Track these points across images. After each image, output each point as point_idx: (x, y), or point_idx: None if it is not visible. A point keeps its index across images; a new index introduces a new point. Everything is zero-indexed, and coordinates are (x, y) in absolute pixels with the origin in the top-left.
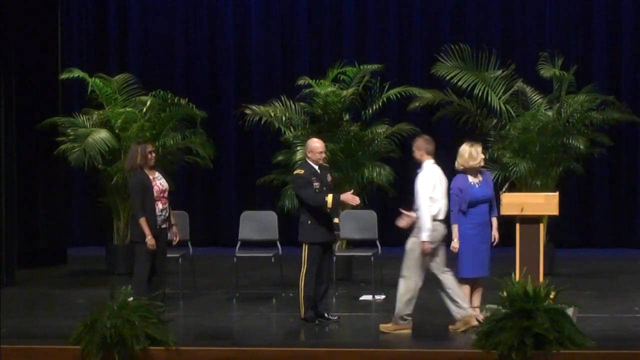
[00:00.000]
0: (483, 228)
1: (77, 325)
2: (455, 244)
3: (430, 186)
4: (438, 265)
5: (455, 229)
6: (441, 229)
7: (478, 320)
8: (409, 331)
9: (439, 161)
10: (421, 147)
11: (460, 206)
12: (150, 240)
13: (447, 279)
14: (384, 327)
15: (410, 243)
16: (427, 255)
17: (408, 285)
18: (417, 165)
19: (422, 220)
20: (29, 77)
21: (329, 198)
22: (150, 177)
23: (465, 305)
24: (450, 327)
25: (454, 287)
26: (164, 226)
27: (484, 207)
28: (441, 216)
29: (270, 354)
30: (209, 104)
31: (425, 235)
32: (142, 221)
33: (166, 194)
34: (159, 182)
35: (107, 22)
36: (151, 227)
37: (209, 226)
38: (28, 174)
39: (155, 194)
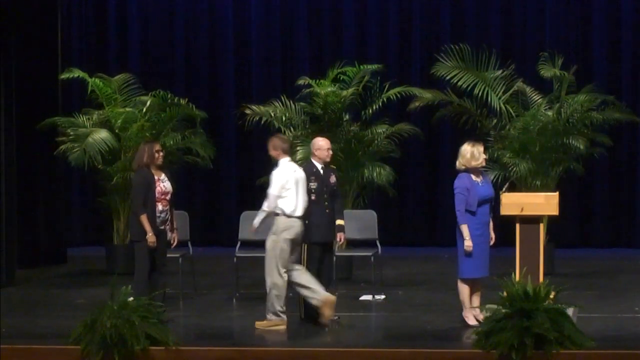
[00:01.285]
0: (486, 228)
1: (77, 325)
2: (468, 242)
3: (282, 184)
4: (289, 263)
5: (464, 228)
6: (298, 225)
7: (478, 320)
8: (283, 327)
9: (439, 160)
10: (277, 146)
11: (467, 205)
12: (151, 237)
13: (301, 273)
14: (258, 324)
15: (270, 241)
16: (274, 250)
17: (274, 281)
18: (275, 164)
19: (261, 210)
20: (29, 77)
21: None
22: (156, 177)
23: (318, 288)
24: (257, 323)
25: (306, 277)
26: (162, 227)
27: (487, 207)
28: (298, 213)
29: (270, 354)
30: (209, 104)
31: (256, 221)
32: (143, 218)
33: (168, 197)
34: (163, 184)
35: (107, 22)
36: (151, 226)
37: (209, 226)
38: (28, 174)
39: (156, 195)
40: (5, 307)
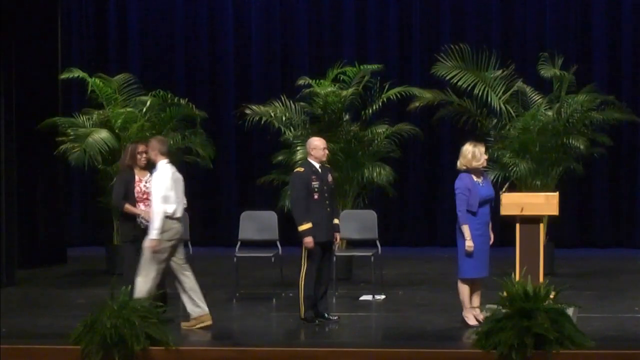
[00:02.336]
0: (486, 228)
1: (77, 325)
2: (469, 242)
3: (165, 186)
4: (178, 265)
5: (466, 228)
6: (177, 227)
7: (478, 320)
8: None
9: (439, 160)
10: (155, 147)
11: (468, 206)
12: (144, 213)
13: (188, 278)
14: (185, 324)
15: (149, 242)
16: (157, 252)
17: (145, 284)
18: (153, 166)
19: (153, 219)
20: (29, 77)
21: (306, 225)
22: (138, 177)
23: (202, 304)
24: (183, 323)
25: (194, 286)
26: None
27: (487, 207)
28: (178, 214)
29: (270, 354)
30: (209, 104)
31: (154, 234)
32: (127, 207)
33: (151, 197)
34: (144, 185)
35: (107, 22)
36: (131, 226)
37: (209, 226)
38: (28, 174)
39: (136, 195)
40: (5, 307)
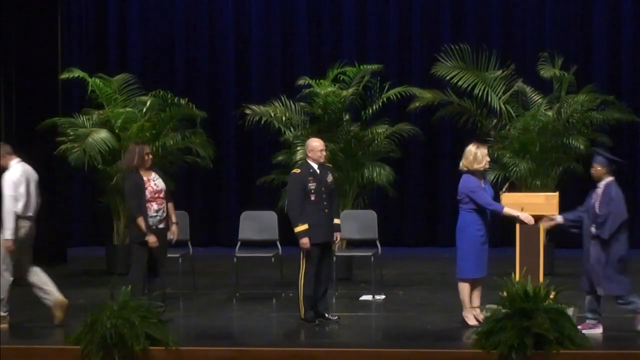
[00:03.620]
0: (487, 229)
1: (77, 325)
2: (525, 215)
3: (14, 184)
4: (24, 264)
5: (508, 210)
6: (27, 226)
7: (478, 320)
8: (6, 326)
9: (439, 160)
10: (3, 154)
11: (475, 205)
12: (151, 238)
13: (37, 275)
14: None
15: (3, 243)
16: (13, 252)
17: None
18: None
19: (4, 218)
20: (29, 77)
21: (302, 227)
22: (145, 178)
23: (52, 289)
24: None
25: (42, 277)
26: (161, 226)
27: None
28: (29, 213)
29: (270, 354)
30: (209, 104)
31: (8, 234)
32: (140, 221)
33: (162, 195)
34: (154, 183)
35: (107, 22)
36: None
37: (209, 226)
38: None
39: (149, 195)
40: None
